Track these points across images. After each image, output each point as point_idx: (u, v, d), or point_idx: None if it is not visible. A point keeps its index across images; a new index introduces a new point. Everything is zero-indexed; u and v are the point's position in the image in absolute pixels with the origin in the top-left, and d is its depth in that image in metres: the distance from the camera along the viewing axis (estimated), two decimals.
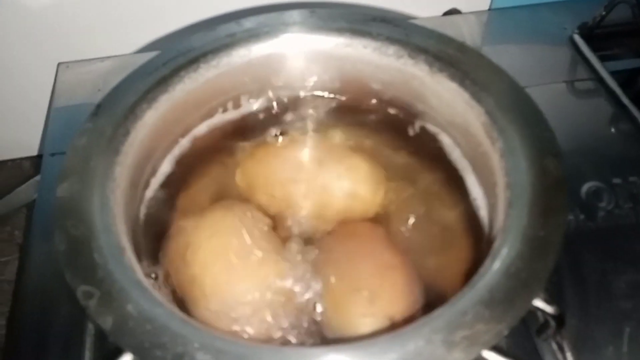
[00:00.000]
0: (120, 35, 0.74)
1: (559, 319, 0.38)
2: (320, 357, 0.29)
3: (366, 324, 0.37)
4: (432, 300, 0.39)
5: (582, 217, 0.54)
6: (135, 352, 0.29)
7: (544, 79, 0.67)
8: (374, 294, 0.38)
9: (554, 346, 0.45)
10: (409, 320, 0.36)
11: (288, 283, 0.39)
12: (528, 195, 0.35)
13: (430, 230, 0.44)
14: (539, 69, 0.68)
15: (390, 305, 0.38)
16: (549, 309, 0.37)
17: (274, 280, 0.39)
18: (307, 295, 0.39)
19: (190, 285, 0.39)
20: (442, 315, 0.30)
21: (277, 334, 0.37)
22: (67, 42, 0.74)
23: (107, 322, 0.30)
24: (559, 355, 0.44)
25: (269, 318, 0.38)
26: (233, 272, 0.39)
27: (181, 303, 0.39)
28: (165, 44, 0.75)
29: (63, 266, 0.33)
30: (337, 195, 0.44)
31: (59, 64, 0.71)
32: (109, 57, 0.71)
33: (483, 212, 0.42)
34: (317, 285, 0.40)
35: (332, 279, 0.39)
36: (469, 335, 0.29)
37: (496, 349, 0.30)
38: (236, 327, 0.37)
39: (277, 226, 0.43)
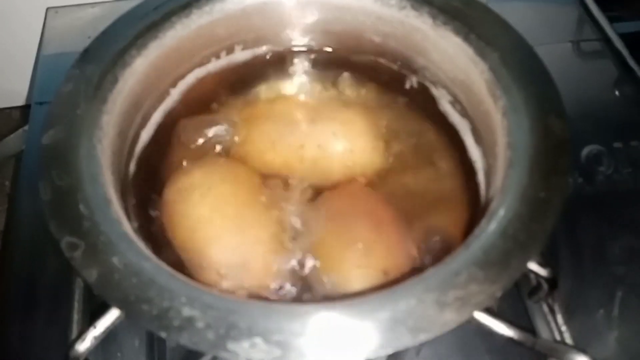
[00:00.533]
0: None
1: (552, 281, 0.38)
2: (309, 313, 0.29)
3: (360, 276, 0.36)
4: (427, 261, 0.38)
5: (580, 180, 0.53)
6: (120, 306, 0.29)
7: (550, 38, 0.65)
8: (369, 247, 0.37)
9: (545, 308, 0.45)
10: (403, 276, 0.36)
11: (284, 238, 0.39)
12: (529, 155, 0.34)
13: (427, 189, 0.43)
14: (545, 27, 0.66)
15: (384, 259, 0.37)
16: (542, 271, 0.37)
17: (273, 232, 0.38)
18: (302, 251, 0.38)
19: (194, 229, 0.38)
20: (434, 274, 0.30)
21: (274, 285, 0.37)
22: None
23: (92, 275, 0.30)
24: (550, 318, 0.44)
25: (267, 268, 0.37)
26: (240, 219, 0.38)
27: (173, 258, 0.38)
28: None
29: (47, 217, 0.32)
30: (334, 152, 0.42)
31: (47, 9, 0.69)
32: (99, 3, 0.68)
33: (480, 172, 0.41)
34: (311, 241, 0.39)
35: (327, 233, 0.39)
36: (461, 295, 0.28)
37: (486, 309, 0.30)
38: (233, 276, 0.36)
39: (273, 186, 0.42)
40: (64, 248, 0.31)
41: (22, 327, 0.46)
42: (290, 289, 0.37)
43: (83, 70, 0.39)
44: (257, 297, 0.36)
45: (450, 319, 0.28)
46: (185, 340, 0.27)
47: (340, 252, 0.38)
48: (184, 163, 0.41)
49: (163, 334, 0.28)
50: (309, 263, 0.38)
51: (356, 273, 0.37)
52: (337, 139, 0.42)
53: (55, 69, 0.63)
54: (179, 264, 0.37)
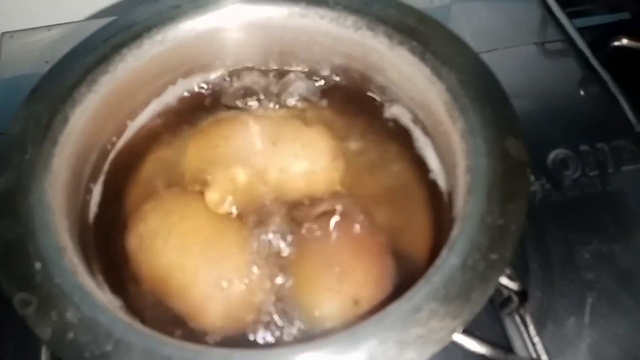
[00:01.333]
0: (67, 1, 0.69)
1: (522, 294, 0.38)
2: (271, 358, 0.28)
3: (330, 300, 0.36)
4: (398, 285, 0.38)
5: (547, 186, 0.54)
6: None
7: (514, 40, 0.65)
8: (345, 273, 0.37)
9: (517, 319, 0.45)
10: (373, 307, 0.35)
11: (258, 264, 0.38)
12: (487, 180, 0.34)
13: (391, 211, 0.42)
14: (509, 29, 0.66)
15: (358, 288, 0.37)
16: (512, 284, 0.37)
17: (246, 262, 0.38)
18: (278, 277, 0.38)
19: (169, 276, 0.37)
20: (395, 311, 0.29)
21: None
22: (10, 9, 0.69)
23: (46, 333, 0.29)
24: (522, 329, 0.44)
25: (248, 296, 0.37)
26: (209, 255, 0.37)
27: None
28: (117, 10, 0.71)
29: None
30: (296, 175, 0.42)
31: (2, 34, 0.67)
32: (55, 25, 0.67)
33: (444, 193, 0.41)
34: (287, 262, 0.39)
35: (305, 253, 0.38)
36: (422, 334, 0.28)
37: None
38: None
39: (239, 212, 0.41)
40: (16, 305, 0.30)
41: None
42: (267, 316, 0.37)
43: (31, 111, 0.38)
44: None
45: (412, 358, 0.28)
46: None
47: (316, 271, 0.37)
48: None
49: None
50: (283, 283, 0.37)
51: (326, 296, 0.36)
52: (299, 160, 0.41)
53: (11, 96, 0.61)
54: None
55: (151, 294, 0.38)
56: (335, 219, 0.40)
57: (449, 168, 0.39)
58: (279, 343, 0.34)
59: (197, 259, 0.37)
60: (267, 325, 0.35)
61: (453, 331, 0.29)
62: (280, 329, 0.35)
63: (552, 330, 0.46)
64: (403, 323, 0.29)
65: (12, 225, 0.33)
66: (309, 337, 0.32)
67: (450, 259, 0.31)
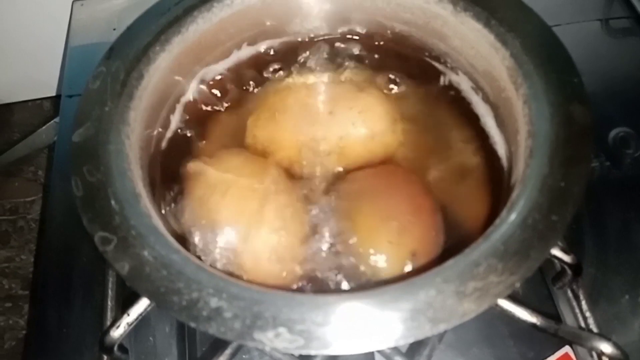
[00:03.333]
0: None
1: (576, 267, 0.38)
2: (331, 304, 0.30)
3: (390, 252, 0.37)
4: (449, 247, 0.39)
5: (607, 163, 0.53)
6: (151, 297, 0.30)
7: (578, 16, 0.63)
8: (404, 227, 0.38)
9: (570, 294, 0.45)
10: (428, 263, 0.36)
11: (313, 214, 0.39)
12: (550, 144, 0.34)
13: (448, 176, 0.43)
14: (573, 5, 0.65)
15: (416, 241, 0.38)
16: (566, 257, 0.37)
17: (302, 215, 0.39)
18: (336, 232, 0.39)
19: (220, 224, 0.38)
20: (454, 265, 0.30)
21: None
22: None
23: (124, 268, 0.31)
24: (574, 303, 0.44)
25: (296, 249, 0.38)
26: (266, 209, 0.38)
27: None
28: None
29: (81, 212, 0.33)
30: (355, 142, 0.43)
31: (73, 2, 0.70)
32: None
33: (503, 160, 0.41)
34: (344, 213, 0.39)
35: (365, 208, 0.39)
36: (480, 286, 0.29)
37: (509, 296, 0.30)
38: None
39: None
40: (97, 242, 0.32)
41: (58, 313, 0.48)
42: (322, 268, 0.38)
43: (109, 68, 0.40)
44: (286, 283, 0.37)
45: (469, 309, 0.28)
46: (214, 330, 0.29)
47: (376, 225, 0.38)
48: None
49: (192, 324, 0.29)
50: (340, 234, 0.38)
51: (386, 248, 0.37)
52: (357, 128, 0.42)
53: (82, 61, 0.64)
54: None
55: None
56: (389, 176, 0.41)
57: (509, 135, 0.40)
58: (338, 291, 0.36)
59: (251, 214, 0.38)
60: (325, 276, 0.37)
61: (511, 286, 0.29)
62: (338, 279, 0.36)
63: (605, 307, 0.46)
64: (462, 276, 0.29)
65: (93, 170, 0.35)
66: (368, 285, 0.33)
67: (509, 218, 0.31)
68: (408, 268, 0.36)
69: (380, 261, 0.36)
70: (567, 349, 0.44)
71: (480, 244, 0.31)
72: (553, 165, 0.33)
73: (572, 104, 0.35)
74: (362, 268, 0.36)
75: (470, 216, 0.40)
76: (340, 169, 0.43)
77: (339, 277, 0.36)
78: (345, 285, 0.36)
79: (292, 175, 0.42)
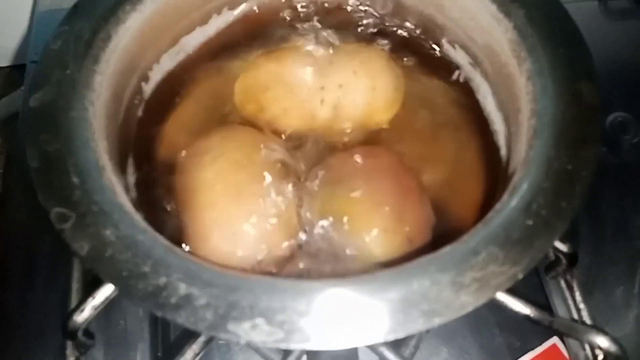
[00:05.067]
0: None
1: (572, 257, 0.36)
2: (315, 291, 0.27)
3: (385, 239, 0.34)
4: (442, 233, 0.36)
5: (604, 149, 0.51)
6: (113, 282, 0.27)
7: None
8: (398, 211, 0.35)
9: (563, 284, 0.43)
10: (425, 247, 0.34)
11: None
12: (556, 124, 0.31)
13: (442, 156, 0.40)
14: None
15: (410, 225, 0.35)
16: (562, 246, 0.35)
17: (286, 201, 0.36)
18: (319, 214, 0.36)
19: (198, 189, 0.36)
20: (451, 253, 0.28)
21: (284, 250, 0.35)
22: None
23: (83, 248, 0.28)
24: (567, 294, 0.42)
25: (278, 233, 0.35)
26: (248, 186, 0.35)
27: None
28: None
29: (35, 186, 0.30)
30: (355, 91, 0.39)
31: None
32: None
33: (502, 140, 0.38)
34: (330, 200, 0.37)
35: (356, 193, 0.36)
36: (479, 277, 0.26)
37: None
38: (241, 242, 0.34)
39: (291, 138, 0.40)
40: (54, 219, 0.29)
41: (20, 294, 0.45)
42: (303, 258, 0.35)
43: (73, 27, 0.36)
44: (261, 271, 0.34)
45: (467, 302, 0.26)
46: (183, 319, 0.26)
47: (369, 211, 0.35)
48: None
49: (158, 313, 0.26)
50: (328, 224, 0.35)
51: (382, 236, 0.34)
52: (358, 77, 0.39)
53: (50, 26, 0.59)
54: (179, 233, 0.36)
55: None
56: (376, 158, 0.38)
57: (509, 114, 0.37)
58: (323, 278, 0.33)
59: (231, 186, 0.35)
60: (313, 264, 0.34)
61: (513, 278, 0.27)
62: (328, 268, 0.34)
63: (599, 298, 0.45)
64: (459, 265, 0.27)
65: (51, 139, 0.31)
66: (357, 273, 0.30)
67: (511, 202, 0.29)
68: (405, 253, 0.33)
69: (375, 249, 0.34)
70: (555, 339, 0.43)
71: (479, 230, 0.28)
72: (559, 146, 0.30)
73: (580, 82, 0.33)
74: (354, 256, 0.34)
75: (464, 199, 0.38)
76: (338, 126, 0.39)
77: (328, 266, 0.33)
78: (334, 272, 0.33)
79: (280, 135, 0.39)
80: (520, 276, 0.27)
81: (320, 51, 0.40)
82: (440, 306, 0.26)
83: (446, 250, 0.28)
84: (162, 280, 0.27)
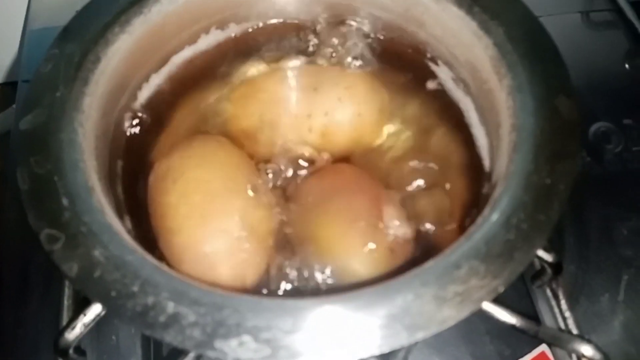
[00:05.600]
0: None
1: (557, 266, 0.37)
2: (301, 309, 0.27)
3: (366, 256, 0.35)
4: (426, 246, 0.37)
5: (588, 159, 0.51)
6: (101, 302, 0.27)
7: (558, 8, 0.62)
8: (374, 224, 0.36)
9: (549, 293, 0.43)
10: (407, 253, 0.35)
11: (270, 220, 0.37)
12: (535, 138, 0.32)
13: (428, 169, 0.41)
14: None
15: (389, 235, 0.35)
16: (546, 256, 0.35)
17: (255, 216, 0.36)
18: (293, 239, 0.37)
19: (164, 215, 0.36)
20: (433, 267, 0.28)
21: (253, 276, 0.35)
22: None
23: (72, 269, 0.28)
24: (553, 302, 0.43)
25: (245, 256, 0.35)
26: (213, 205, 0.36)
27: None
28: None
29: (26, 207, 0.30)
30: (341, 118, 0.40)
31: None
32: None
33: (484, 153, 0.39)
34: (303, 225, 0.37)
35: (327, 215, 0.37)
36: (461, 291, 0.27)
37: None
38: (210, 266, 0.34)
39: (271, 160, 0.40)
40: (43, 241, 0.29)
41: (15, 310, 0.45)
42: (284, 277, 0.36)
43: (63, 50, 0.37)
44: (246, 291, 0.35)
45: (449, 315, 0.26)
46: (171, 338, 0.26)
47: (345, 231, 0.36)
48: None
49: (147, 332, 0.26)
50: (304, 251, 0.36)
51: (365, 254, 0.35)
52: (343, 103, 0.40)
53: (42, 45, 0.60)
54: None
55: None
56: (343, 175, 0.39)
57: (491, 128, 0.38)
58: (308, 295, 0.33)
59: (195, 207, 0.35)
60: (296, 284, 0.34)
61: (494, 291, 0.27)
62: (312, 286, 0.34)
63: (585, 306, 0.45)
64: (441, 279, 0.27)
65: (42, 161, 0.32)
66: (342, 289, 0.31)
67: (492, 217, 0.29)
68: (390, 265, 0.34)
69: (360, 267, 0.34)
70: (544, 347, 0.43)
71: (461, 245, 0.29)
72: (538, 161, 0.31)
73: (558, 97, 0.33)
74: (338, 275, 0.34)
75: (447, 212, 0.38)
76: (326, 149, 0.40)
77: (311, 282, 0.34)
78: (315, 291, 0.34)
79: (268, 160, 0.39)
80: (501, 289, 0.27)
81: (306, 76, 0.40)
82: (423, 320, 0.26)
83: (429, 264, 0.28)
84: (151, 299, 0.27)
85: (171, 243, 0.35)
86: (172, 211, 0.35)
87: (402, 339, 0.26)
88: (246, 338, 0.26)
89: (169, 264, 0.35)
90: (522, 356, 0.43)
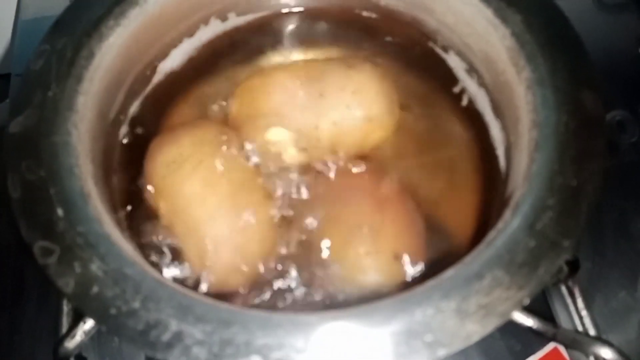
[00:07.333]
0: None
1: (573, 264, 0.35)
2: (313, 325, 0.26)
3: (370, 262, 0.34)
4: (438, 243, 0.36)
5: None
6: (100, 321, 0.26)
7: None
8: (376, 230, 0.34)
9: (564, 290, 0.42)
10: (414, 256, 0.33)
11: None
12: (558, 136, 0.30)
13: (438, 166, 0.39)
14: None
15: (394, 241, 0.34)
16: None
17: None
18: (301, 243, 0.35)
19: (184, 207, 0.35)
20: (454, 278, 0.26)
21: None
22: None
23: (68, 285, 0.26)
24: (569, 300, 0.41)
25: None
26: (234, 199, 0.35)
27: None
28: None
29: (17, 217, 0.29)
30: (351, 126, 0.38)
31: None
32: None
33: (500, 150, 0.37)
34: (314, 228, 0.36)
35: (330, 220, 0.35)
36: (485, 303, 0.25)
37: None
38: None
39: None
40: (37, 254, 0.27)
41: (11, 317, 0.43)
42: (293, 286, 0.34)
43: (54, 45, 0.34)
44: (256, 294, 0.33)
45: (474, 330, 0.25)
46: (174, 359, 0.25)
47: (347, 238, 0.34)
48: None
49: (149, 353, 0.25)
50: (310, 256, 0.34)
51: (367, 261, 0.33)
52: (352, 110, 0.38)
53: (34, 35, 0.58)
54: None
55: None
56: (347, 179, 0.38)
57: (508, 122, 0.36)
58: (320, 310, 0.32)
59: (222, 197, 0.34)
60: (301, 296, 0.33)
61: (519, 303, 0.26)
62: (318, 298, 0.33)
63: (602, 304, 0.44)
64: (463, 291, 0.26)
65: (34, 167, 0.30)
66: (355, 302, 0.29)
67: (514, 222, 0.27)
68: (395, 272, 0.32)
69: (363, 274, 0.32)
70: (556, 342, 0.42)
71: (481, 252, 0.27)
72: (563, 160, 0.29)
73: (582, 91, 0.31)
74: (343, 284, 0.32)
75: (461, 212, 0.37)
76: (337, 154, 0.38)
77: (318, 296, 0.32)
78: (325, 304, 0.32)
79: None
80: (527, 301, 0.26)
81: (310, 76, 0.38)
82: (445, 336, 0.25)
83: (449, 274, 0.27)
84: (153, 316, 0.26)
85: (200, 234, 0.34)
86: (199, 201, 0.34)
87: (422, 358, 0.24)
88: (255, 358, 0.24)
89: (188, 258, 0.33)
90: (533, 353, 0.42)
